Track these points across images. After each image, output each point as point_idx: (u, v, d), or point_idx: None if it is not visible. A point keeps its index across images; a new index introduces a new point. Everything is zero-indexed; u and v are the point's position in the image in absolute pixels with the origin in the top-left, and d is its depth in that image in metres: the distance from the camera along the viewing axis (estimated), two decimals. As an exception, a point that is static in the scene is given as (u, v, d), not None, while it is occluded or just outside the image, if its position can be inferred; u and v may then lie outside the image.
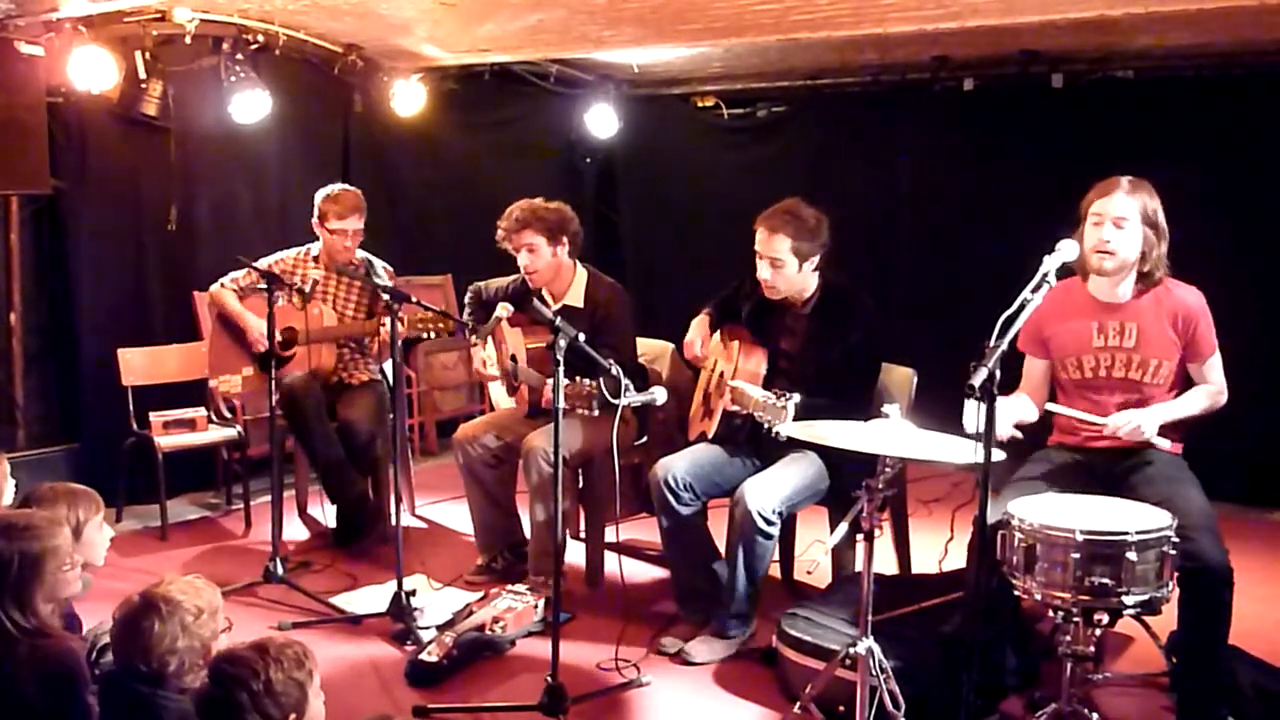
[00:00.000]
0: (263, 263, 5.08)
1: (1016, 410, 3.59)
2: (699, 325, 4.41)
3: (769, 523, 3.84)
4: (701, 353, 4.36)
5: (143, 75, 5.47)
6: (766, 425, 3.31)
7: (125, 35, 5.41)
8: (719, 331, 4.37)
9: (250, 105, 5.72)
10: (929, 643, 3.49)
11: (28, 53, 5.23)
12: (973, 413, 2.96)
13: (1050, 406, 3.65)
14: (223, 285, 5.26)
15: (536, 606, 4.25)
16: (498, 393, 5.05)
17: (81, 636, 3.05)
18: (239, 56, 5.68)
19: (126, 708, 2.57)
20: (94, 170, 5.66)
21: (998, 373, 2.66)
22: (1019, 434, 3.37)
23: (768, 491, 3.86)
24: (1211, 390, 3.58)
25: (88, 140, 5.61)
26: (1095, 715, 3.25)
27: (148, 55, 5.46)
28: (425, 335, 4.35)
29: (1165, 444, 3.49)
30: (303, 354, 5.13)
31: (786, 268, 4.01)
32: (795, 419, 3.28)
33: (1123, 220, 3.45)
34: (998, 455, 2.76)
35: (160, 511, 5.38)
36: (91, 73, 5.17)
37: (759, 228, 4.05)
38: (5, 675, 2.55)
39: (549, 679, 3.44)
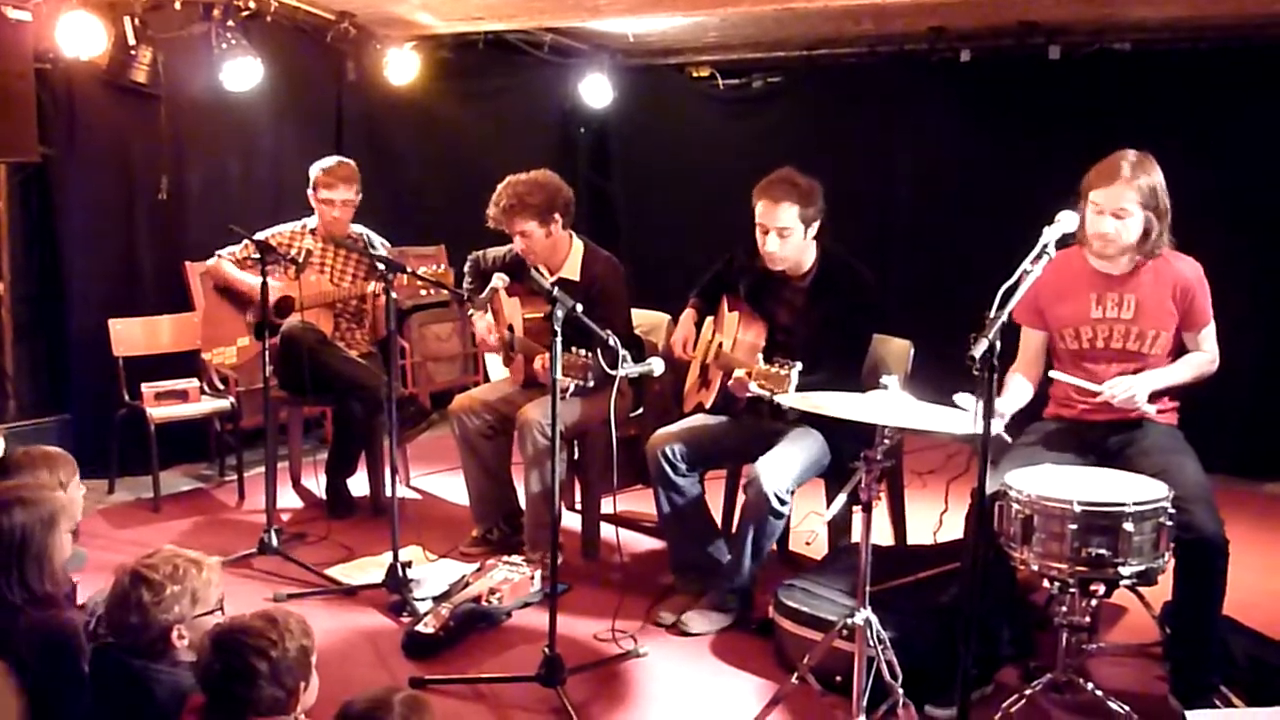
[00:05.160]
0: (260, 235, 5.04)
1: (1010, 404, 3.60)
2: (685, 323, 4.40)
3: (783, 503, 3.85)
4: (688, 353, 4.36)
5: (132, 42, 5.40)
6: (769, 395, 3.30)
7: (114, 1, 5.34)
8: (722, 299, 4.36)
9: (241, 73, 5.66)
10: (926, 613, 3.50)
11: (15, 18, 5.16)
12: (966, 403, 2.97)
13: (1052, 374, 3.66)
14: (220, 257, 5.25)
15: (533, 578, 4.26)
16: (494, 364, 5.03)
17: (80, 606, 3.04)
18: (230, 23, 5.61)
19: (117, 681, 2.56)
20: (83, 138, 5.60)
21: (998, 344, 2.66)
22: (1006, 437, 3.39)
23: (782, 471, 3.86)
24: (1204, 359, 3.59)
25: (77, 108, 5.55)
26: (1090, 685, 3.27)
27: (137, 21, 5.39)
28: (424, 292, 4.33)
29: (1153, 410, 3.49)
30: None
31: (794, 236, 3.98)
32: (795, 390, 3.27)
33: (1123, 211, 3.44)
34: (996, 427, 2.76)
35: (153, 483, 5.37)
36: (80, 39, 5.11)
37: (760, 200, 4.00)
38: (8, 644, 2.54)
39: (546, 650, 3.44)
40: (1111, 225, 3.44)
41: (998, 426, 3.08)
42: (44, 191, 5.65)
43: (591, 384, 3.54)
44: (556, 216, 4.52)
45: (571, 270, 4.60)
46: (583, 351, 3.46)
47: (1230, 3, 5.48)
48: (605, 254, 4.73)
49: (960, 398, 3.05)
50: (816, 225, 4.02)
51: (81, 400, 5.73)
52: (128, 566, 2.60)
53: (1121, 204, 3.42)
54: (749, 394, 3.69)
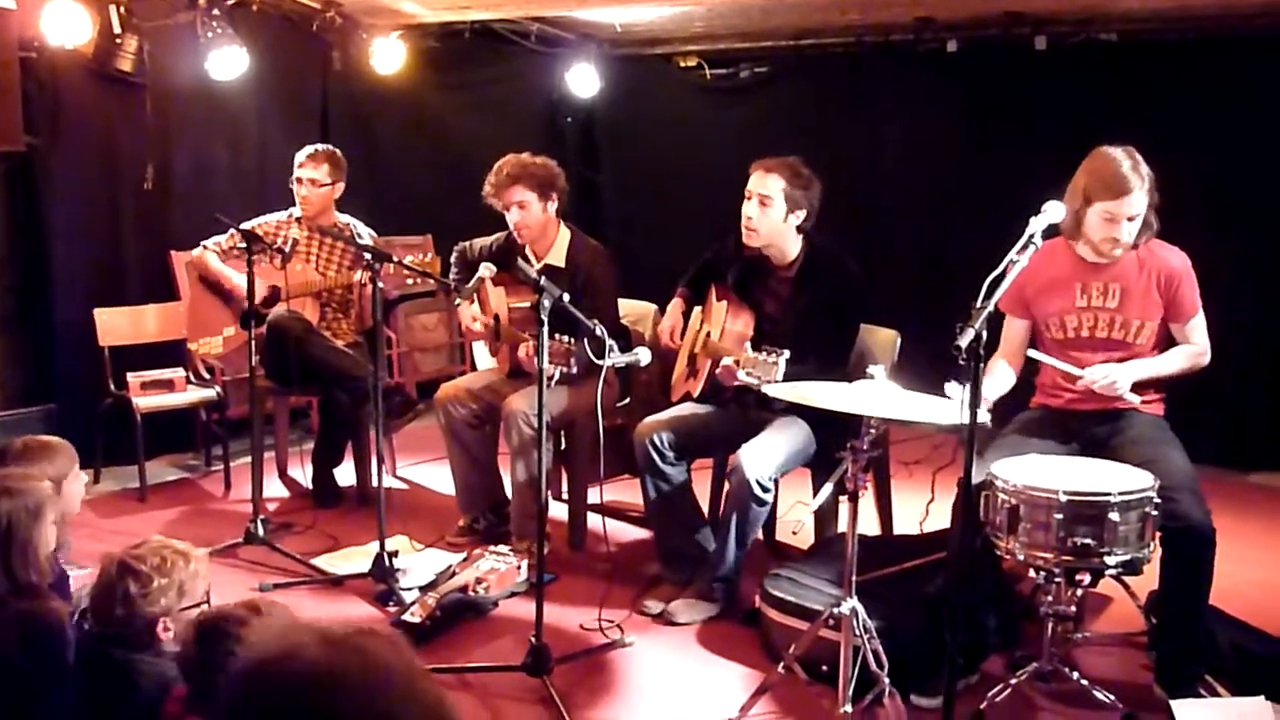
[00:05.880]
0: (246, 225, 5.01)
1: (995, 389, 3.61)
2: (673, 311, 4.41)
3: (765, 490, 3.85)
4: (675, 341, 4.36)
5: (117, 30, 5.37)
6: (755, 382, 3.30)
7: (99, -11, 5.32)
8: (710, 289, 4.36)
9: (227, 62, 5.63)
10: (912, 603, 3.51)
11: (0, 6, 5.13)
12: (954, 392, 2.98)
13: (1032, 353, 3.67)
14: (205, 248, 5.23)
15: (519, 567, 4.25)
16: (480, 353, 5.03)
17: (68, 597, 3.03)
18: (215, 12, 5.57)
19: (102, 672, 2.55)
20: (69, 127, 5.56)
21: (984, 334, 2.66)
22: (989, 424, 3.41)
23: (764, 459, 3.86)
24: (1193, 351, 3.60)
25: (62, 97, 5.51)
26: (1075, 674, 3.29)
27: (122, 10, 5.36)
28: (410, 282, 4.32)
29: (1136, 399, 3.51)
30: (284, 312, 5.09)
31: (773, 208, 4.00)
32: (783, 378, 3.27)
33: (1136, 216, 3.47)
34: (982, 417, 2.76)
35: (139, 473, 5.35)
36: (65, 27, 5.08)
37: (754, 170, 4.05)
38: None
39: (533, 640, 3.44)
40: (1127, 231, 3.47)
41: (982, 415, 3.09)
42: (29, 181, 5.60)
43: (575, 370, 3.53)
44: (554, 196, 4.54)
45: (557, 256, 4.60)
46: (566, 338, 3.46)
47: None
48: (593, 242, 4.73)
49: (950, 387, 3.05)
50: (801, 215, 4.03)
51: (67, 390, 5.70)
52: (115, 557, 2.59)
53: (1136, 210, 3.46)
54: (737, 382, 3.69)
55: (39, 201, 5.61)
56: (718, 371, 3.95)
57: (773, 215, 4.01)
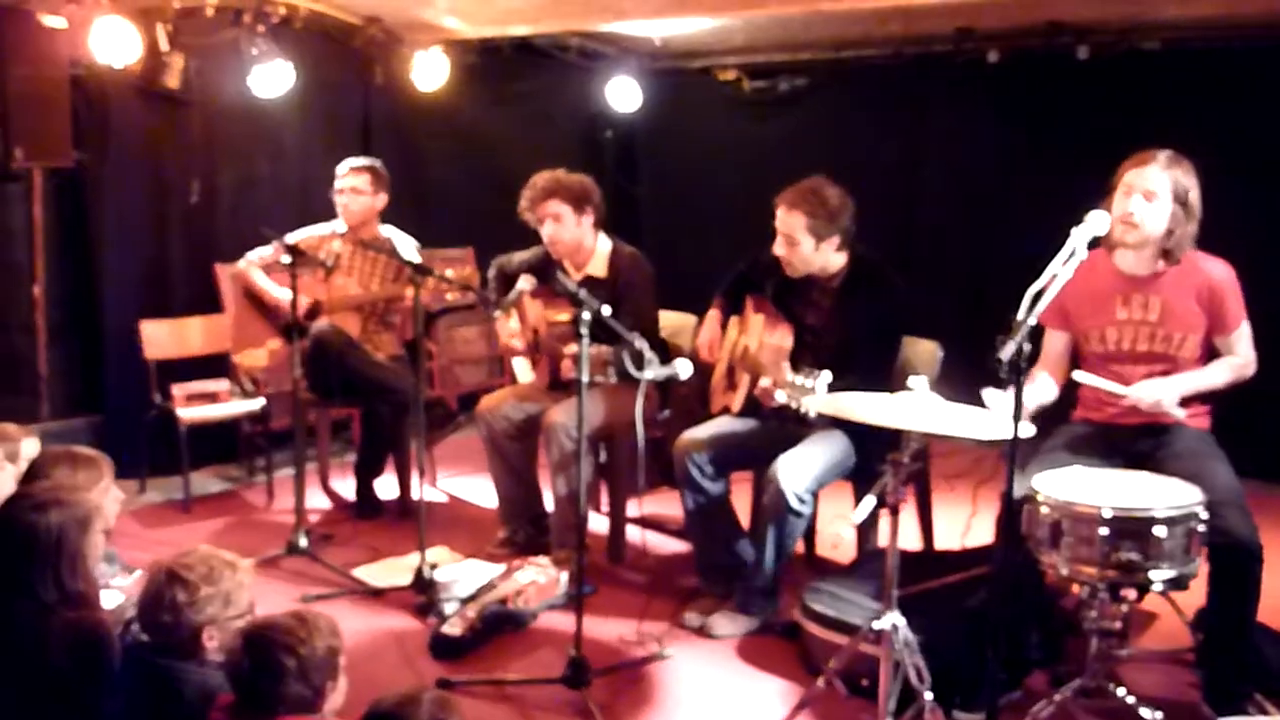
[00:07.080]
0: (290, 238, 5.07)
1: (1036, 398, 3.57)
2: (711, 324, 4.40)
3: (802, 501, 3.84)
4: (715, 356, 4.36)
5: (165, 48, 5.47)
6: (795, 405, 3.28)
7: (147, 8, 5.40)
8: (747, 300, 4.36)
9: (272, 79, 5.70)
10: (954, 618, 3.48)
11: (50, 25, 5.23)
12: (992, 399, 2.95)
13: (1077, 375, 3.62)
14: (249, 262, 5.28)
15: (559, 579, 4.26)
16: (521, 366, 5.05)
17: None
18: (260, 30, 5.66)
19: (147, 681, 2.58)
20: (116, 143, 5.66)
21: (1027, 347, 2.64)
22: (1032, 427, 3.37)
23: (801, 470, 3.85)
24: (1237, 363, 3.54)
25: (110, 113, 5.61)
26: (1120, 691, 3.24)
27: (169, 28, 5.46)
28: (449, 296, 4.35)
29: (1183, 414, 3.45)
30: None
31: (801, 246, 3.99)
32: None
33: (1153, 194, 3.38)
34: (1024, 431, 2.74)
35: (183, 484, 5.42)
36: (114, 45, 5.17)
37: (778, 205, 4.03)
38: (39, 645, 2.57)
39: (572, 652, 3.45)
40: (1139, 205, 3.38)
41: (1025, 427, 3.07)
42: (78, 196, 5.71)
43: (614, 380, 3.54)
44: (589, 210, 4.56)
45: (598, 267, 4.63)
46: (605, 348, 3.47)
47: (1262, 1, 5.42)
48: (632, 250, 4.74)
49: (987, 393, 3.03)
50: (834, 241, 4.00)
51: (115, 401, 5.78)
52: (163, 565, 2.62)
53: (1153, 186, 3.37)
54: (775, 404, 3.68)
55: (88, 216, 5.71)
56: (756, 391, 3.94)
57: (803, 251, 4.00)
